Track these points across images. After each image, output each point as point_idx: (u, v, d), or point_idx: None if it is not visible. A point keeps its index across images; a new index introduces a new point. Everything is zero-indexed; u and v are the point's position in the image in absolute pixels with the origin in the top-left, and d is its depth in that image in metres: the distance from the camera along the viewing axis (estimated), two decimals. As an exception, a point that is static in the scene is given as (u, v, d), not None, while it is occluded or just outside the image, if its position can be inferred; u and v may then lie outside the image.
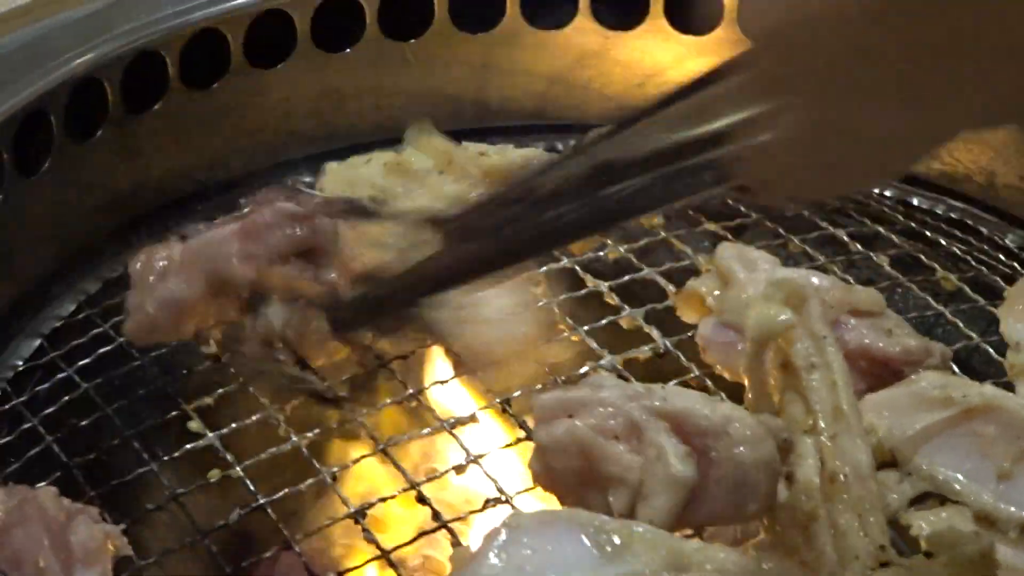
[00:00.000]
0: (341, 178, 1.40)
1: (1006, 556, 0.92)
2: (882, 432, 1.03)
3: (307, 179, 1.46)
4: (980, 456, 1.00)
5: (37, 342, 1.24)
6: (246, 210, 1.20)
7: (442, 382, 1.17)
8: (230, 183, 1.43)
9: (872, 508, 0.90)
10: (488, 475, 1.06)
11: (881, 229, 1.38)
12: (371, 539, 1.02)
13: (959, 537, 0.91)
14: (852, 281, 1.25)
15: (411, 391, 1.15)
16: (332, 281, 1.14)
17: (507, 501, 1.04)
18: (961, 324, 1.25)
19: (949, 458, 1.01)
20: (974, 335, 1.24)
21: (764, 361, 0.99)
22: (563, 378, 1.13)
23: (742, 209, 1.36)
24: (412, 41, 1.52)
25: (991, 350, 1.21)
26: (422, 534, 1.04)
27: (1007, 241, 1.40)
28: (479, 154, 1.40)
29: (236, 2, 1.44)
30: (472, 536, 1.05)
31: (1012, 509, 0.97)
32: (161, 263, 1.18)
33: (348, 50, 1.50)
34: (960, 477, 0.99)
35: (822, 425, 0.95)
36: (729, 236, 1.29)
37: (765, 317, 0.98)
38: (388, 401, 1.15)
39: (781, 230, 1.34)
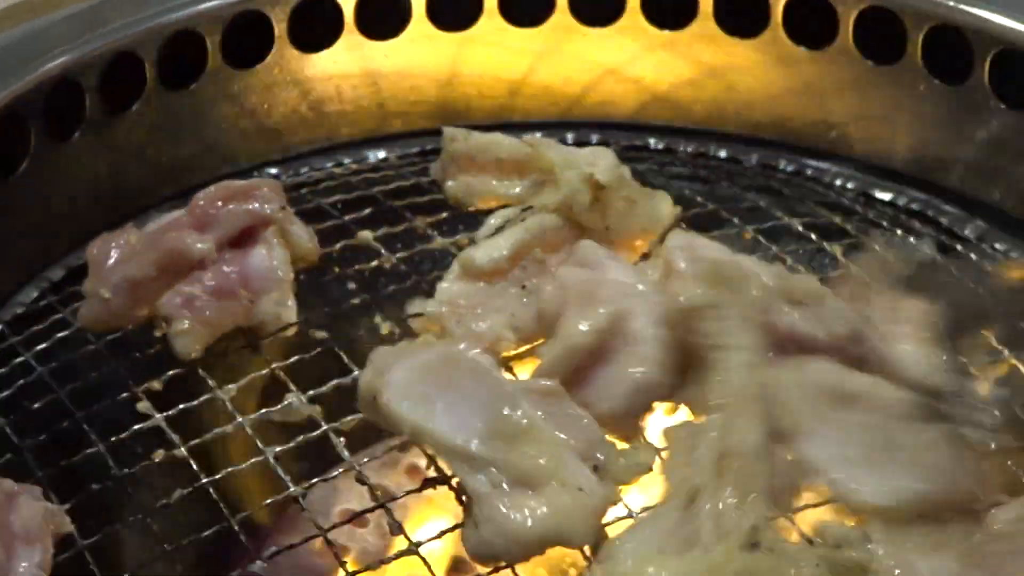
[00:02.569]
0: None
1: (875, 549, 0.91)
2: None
3: (285, 180, 1.43)
4: (852, 444, 0.97)
5: (-1, 328, 1.23)
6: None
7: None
8: (208, 184, 1.41)
9: (755, 489, 0.90)
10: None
11: (837, 220, 1.34)
12: (313, 519, 1.00)
13: (837, 531, 0.91)
14: (802, 271, 1.21)
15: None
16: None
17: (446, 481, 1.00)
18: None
19: (823, 444, 0.97)
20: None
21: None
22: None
23: (698, 199, 1.33)
24: (391, 40, 1.49)
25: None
26: (356, 515, 1.02)
27: (966, 232, 1.37)
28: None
29: (213, 3, 1.42)
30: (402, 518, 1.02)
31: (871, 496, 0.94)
32: (117, 248, 1.17)
33: (326, 50, 1.48)
34: (829, 464, 0.96)
35: (724, 403, 0.95)
36: (682, 225, 1.25)
37: (686, 295, 0.96)
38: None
39: (736, 220, 1.30)
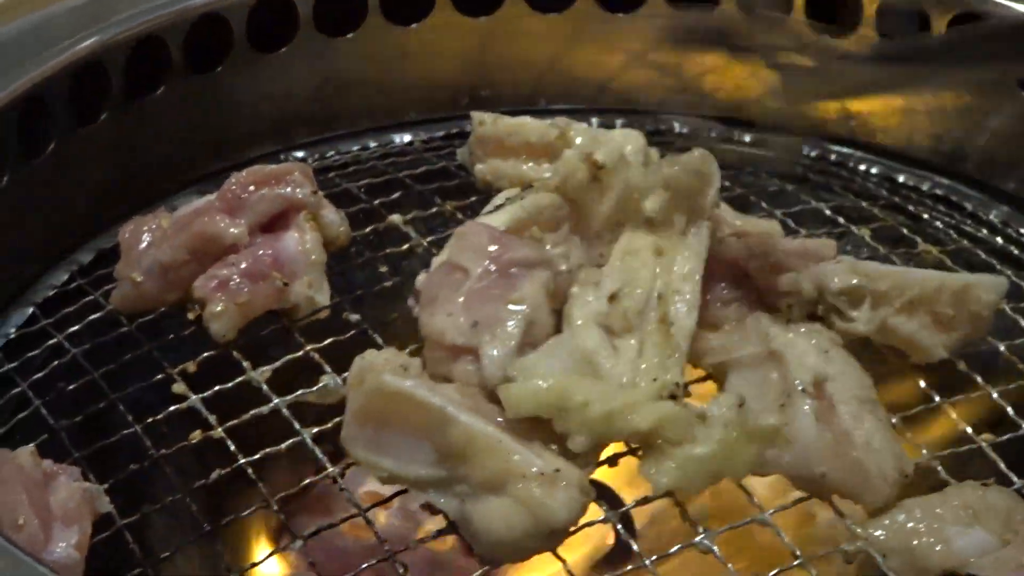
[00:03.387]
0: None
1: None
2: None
3: (311, 163, 1.42)
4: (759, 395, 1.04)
5: (30, 310, 1.23)
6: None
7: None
8: (232, 167, 1.40)
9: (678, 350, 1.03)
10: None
11: (864, 204, 1.35)
12: (349, 499, 1.00)
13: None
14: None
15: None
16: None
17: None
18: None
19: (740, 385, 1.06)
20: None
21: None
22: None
23: (725, 184, 1.32)
24: (415, 25, 1.49)
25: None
26: (396, 495, 1.01)
27: (991, 216, 1.37)
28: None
29: (239, -13, 1.41)
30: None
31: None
32: (149, 232, 1.16)
33: (350, 34, 1.47)
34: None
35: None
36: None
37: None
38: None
39: (763, 203, 1.30)
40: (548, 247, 1.13)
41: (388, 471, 0.96)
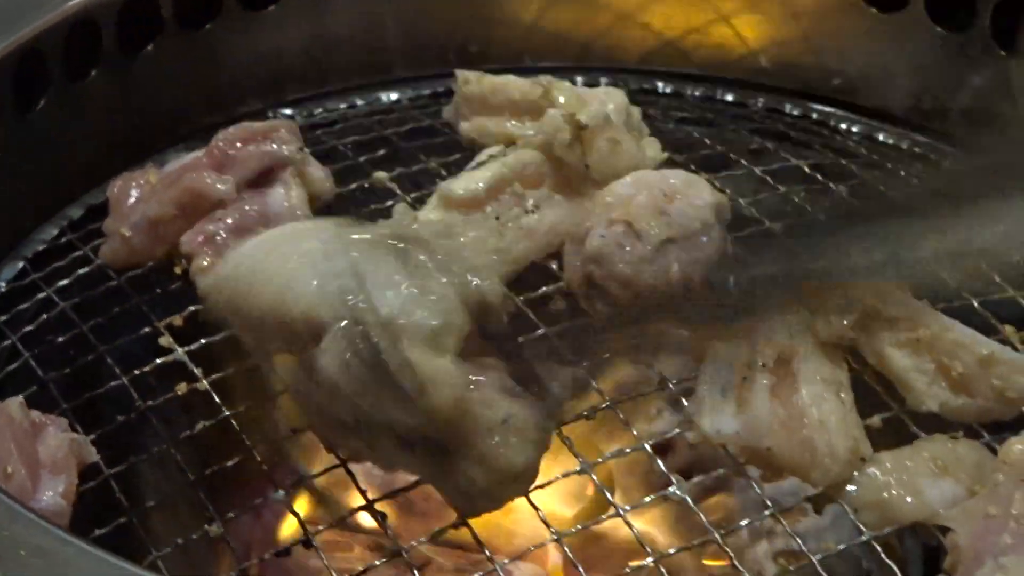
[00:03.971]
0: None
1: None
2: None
3: (299, 121, 1.43)
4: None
5: (20, 265, 1.24)
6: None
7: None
8: (221, 123, 1.40)
9: None
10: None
11: (844, 161, 1.35)
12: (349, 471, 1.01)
13: None
14: (809, 208, 1.24)
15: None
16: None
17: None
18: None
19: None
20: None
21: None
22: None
23: (706, 141, 1.34)
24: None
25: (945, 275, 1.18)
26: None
27: (968, 174, 1.37)
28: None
29: (229, -56, 1.42)
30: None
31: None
32: (137, 188, 1.18)
33: (339, -9, 1.48)
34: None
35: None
36: (692, 167, 1.26)
37: None
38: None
39: (743, 161, 1.31)
40: (530, 203, 1.14)
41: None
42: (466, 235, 1.10)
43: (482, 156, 1.22)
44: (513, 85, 1.28)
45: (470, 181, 1.16)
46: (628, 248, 1.09)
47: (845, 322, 1.05)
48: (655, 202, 1.11)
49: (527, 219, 1.15)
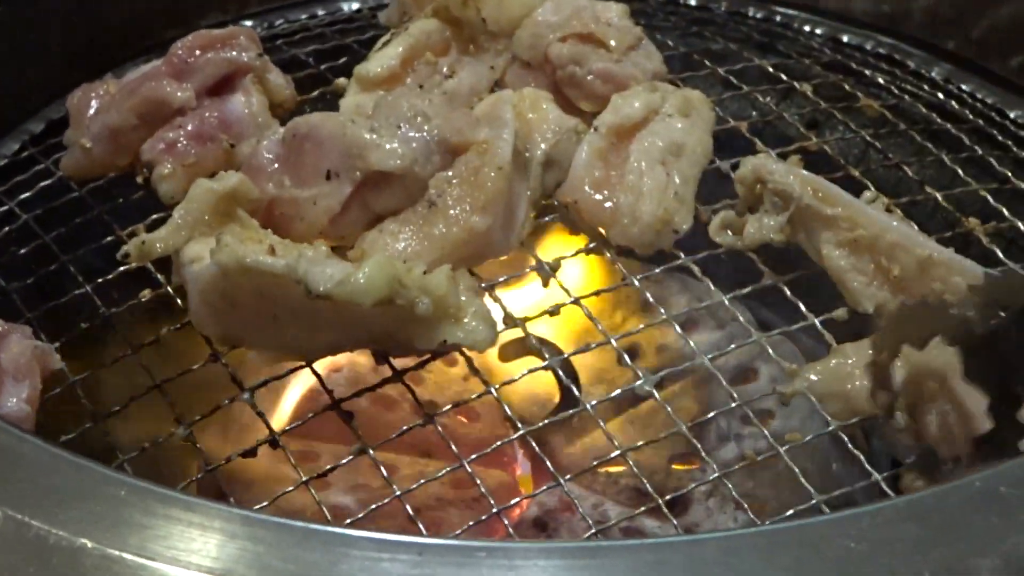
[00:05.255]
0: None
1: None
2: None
3: (260, 32, 1.41)
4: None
5: (-19, 180, 1.23)
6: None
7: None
8: (181, 35, 1.38)
9: None
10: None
11: (807, 62, 1.35)
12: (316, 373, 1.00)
13: None
14: (774, 107, 1.23)
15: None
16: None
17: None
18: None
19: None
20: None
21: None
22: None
23: (669, 44, 1.33)
24: None
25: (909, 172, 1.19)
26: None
27: (933, 73, 1.37)
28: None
29: None
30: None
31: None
32: (97, 99, 1.16)
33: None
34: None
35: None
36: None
37: None
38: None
39: (707, 62, 1.30)
40: (444, 69, 1.14)
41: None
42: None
43: (385, 36, 1.22)
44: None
45: (382, 59, 1.17)
46: (600, 52, 1.17)
47: (771, 220, 1.06)
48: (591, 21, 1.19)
49: (448, 84, 1.16)
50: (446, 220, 1.02)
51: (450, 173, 1.04)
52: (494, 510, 0.91)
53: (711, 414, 1.02)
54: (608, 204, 1.05)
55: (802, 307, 1.03)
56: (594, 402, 0.97)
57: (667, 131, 1.09)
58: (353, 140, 1.03)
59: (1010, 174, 1.19)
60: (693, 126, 1.10)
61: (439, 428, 0.95)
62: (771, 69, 1.31)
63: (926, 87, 1.34)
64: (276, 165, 1.07)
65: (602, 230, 1.06)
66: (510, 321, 1.01)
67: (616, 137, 1.09)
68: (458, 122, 1.05)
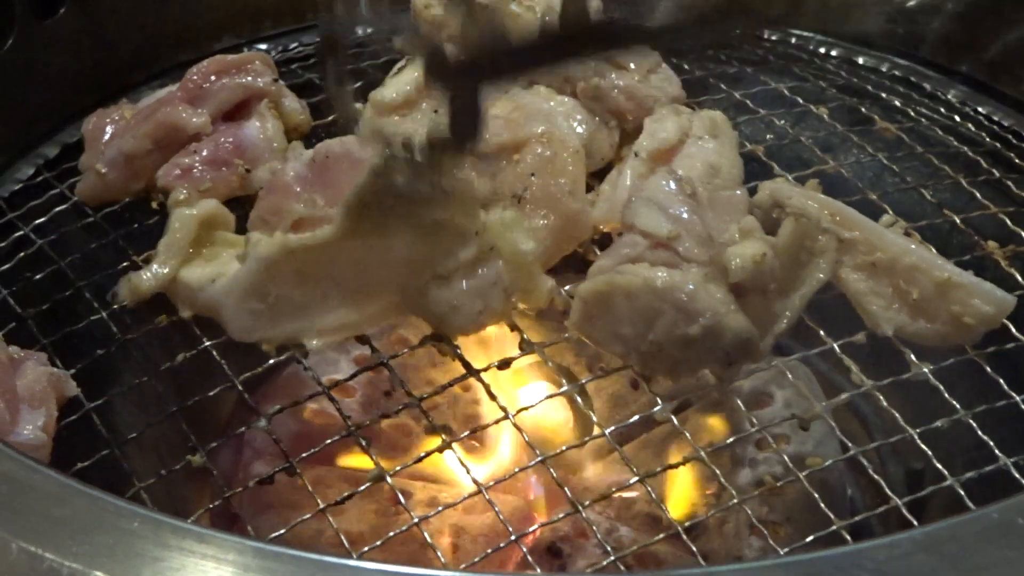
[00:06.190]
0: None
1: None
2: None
3: (275, 56, 1.41)
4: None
5: (-4, 204, 1.22)
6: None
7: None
8: (196, 59, 1.38)
9: None
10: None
11: (823, 85, 1.35)
12: (315, 377, 1.01)
13: None
14: (790, 130, 1.23)
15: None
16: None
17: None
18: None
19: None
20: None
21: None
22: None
23: (685, 67, 1.33)
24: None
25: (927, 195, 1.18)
26: (357, 373, 1.02)
27: (949, 96, 1.36)
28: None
29: None
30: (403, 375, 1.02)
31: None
32: (112, 124, 1.16)
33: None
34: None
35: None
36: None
37: None
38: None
39: (723, 85, 1.30)
40: None
41: None
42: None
43: (400, 63, 1.22)
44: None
45: (399, 84, 1.17)
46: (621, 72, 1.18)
47: None
48: None
49: None
50: (539, 212, 1.03)
51: (519, 170, 1.05)
52: (512, 537, 0.90)
53: (730, 439, 1.01)
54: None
55: (821, 332, 1.02)
56: (611, 428, 0.97)
57: (702, 153, 1.10)
58: None
59: (1027, 197, 1.19)
60: (723, 146, 1.10)
61: (456, 454, 0.94)
62: (787, 92, 1.30)
63: (942, 109, 1.33)
64: (305, 185, 1.06)
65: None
66: (527, 347, 1.01)
67: (655, 161, 1.10)
68: (496, 125, 1.06)
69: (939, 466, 0.95)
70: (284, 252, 0.93)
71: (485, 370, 0.99)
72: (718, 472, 0.95)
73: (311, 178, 1.06)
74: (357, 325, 0.98)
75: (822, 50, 1.44)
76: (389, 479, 0.93)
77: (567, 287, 1.03)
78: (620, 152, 1.16)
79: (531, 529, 0.97)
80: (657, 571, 0.80)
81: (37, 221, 1.17)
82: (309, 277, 0.94)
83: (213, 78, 1.17)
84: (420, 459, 0.95)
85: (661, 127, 1.11)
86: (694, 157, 1.09)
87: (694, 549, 0.91)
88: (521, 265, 0.96)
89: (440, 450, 0.95)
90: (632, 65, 1.17)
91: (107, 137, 1.17)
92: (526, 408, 0.98)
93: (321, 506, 0.92)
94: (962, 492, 0.92)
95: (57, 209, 1.18)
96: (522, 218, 1.00)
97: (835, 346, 1.01)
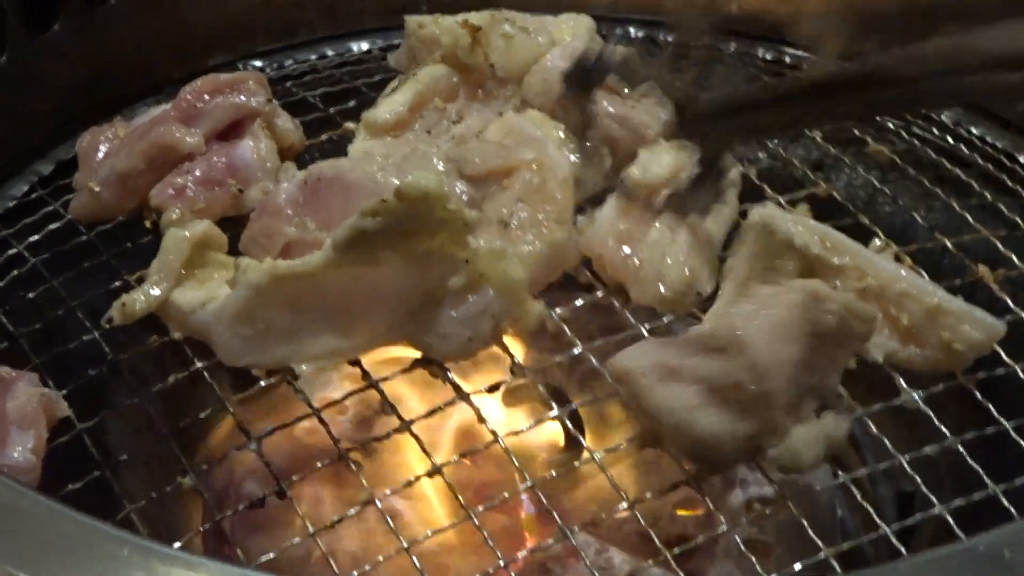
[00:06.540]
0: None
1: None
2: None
3: (269, 73, 1.42)
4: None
5: (-11, 221, 1.22)
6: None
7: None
8: (190, 76, 1.39)
9: None
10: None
11: (816, 106, 1.34)
12: (306, 399, 1.00)
13: None
14: (782, 152, 1.23)
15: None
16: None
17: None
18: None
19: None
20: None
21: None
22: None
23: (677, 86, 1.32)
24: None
25: (918, 218, 1.18)
26: (350, 394, 1.02)
27: (942, 117, 1.36)
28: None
29: None
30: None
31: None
32: (106, 142, 1.17)
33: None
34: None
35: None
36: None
37: None
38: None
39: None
40: (452, 115, 1.16)
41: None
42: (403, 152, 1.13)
43: (393, 83, 1.22)
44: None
45: (391, 105, 1.18)
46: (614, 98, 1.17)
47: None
48: None
49: (456, 128, 1.17)
50: (525, 238, 1.03)
51: (507, 195, 1.05)
52: (501, 563, 0.90)
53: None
54: (633, 261, 1.05)
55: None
56: (601, 453, 0.97)
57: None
58: (387, 185, 1.03)
59: (1020, 220, 1.19)
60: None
61: (445, 479, 0.95)
62: (780, 115, 1.30)
63: (935, 130, 1.33)
64: (296, 207, 1.07)
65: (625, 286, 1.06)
66: (518, 370, 1.01)
67: (640, 194, 1.09)
68: (487, 151, 1.06)
69: (928, 493, 0.95)
70: (273, 279, 0.94)
71: (475, 393, 0.99)
72: (706, 498, 0.95)
73: (302, 201, 1.06)
74: (346, 352, 0.99)
75: (815, 75, 1.44)
76: (379, 503, 0.93)
77: (557, 309, 1.03)
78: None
79: (520, 555, 0.97)
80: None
81: (31, 239, 1.17)
82: (298, 304, 0.95)
83: (207, 97, 1.17)
84: (410, 483, 0.96)
85: (655, 160, 1.11)
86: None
87: (681, 574, 0.91)
88: (511, 293, 0.96)
89: (430, 474, 0.96)
90: (625, 90, 1.17)
91: (101, 155, 1.17)
92: (517, 432, 0.98)
93: (311, 531, 0.92)
94: (951, 520, 0.92)
95: (51, 227, 1.18)
96: (509, 245, 1.01)
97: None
